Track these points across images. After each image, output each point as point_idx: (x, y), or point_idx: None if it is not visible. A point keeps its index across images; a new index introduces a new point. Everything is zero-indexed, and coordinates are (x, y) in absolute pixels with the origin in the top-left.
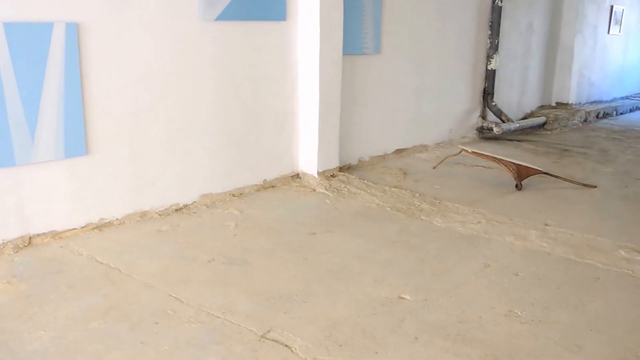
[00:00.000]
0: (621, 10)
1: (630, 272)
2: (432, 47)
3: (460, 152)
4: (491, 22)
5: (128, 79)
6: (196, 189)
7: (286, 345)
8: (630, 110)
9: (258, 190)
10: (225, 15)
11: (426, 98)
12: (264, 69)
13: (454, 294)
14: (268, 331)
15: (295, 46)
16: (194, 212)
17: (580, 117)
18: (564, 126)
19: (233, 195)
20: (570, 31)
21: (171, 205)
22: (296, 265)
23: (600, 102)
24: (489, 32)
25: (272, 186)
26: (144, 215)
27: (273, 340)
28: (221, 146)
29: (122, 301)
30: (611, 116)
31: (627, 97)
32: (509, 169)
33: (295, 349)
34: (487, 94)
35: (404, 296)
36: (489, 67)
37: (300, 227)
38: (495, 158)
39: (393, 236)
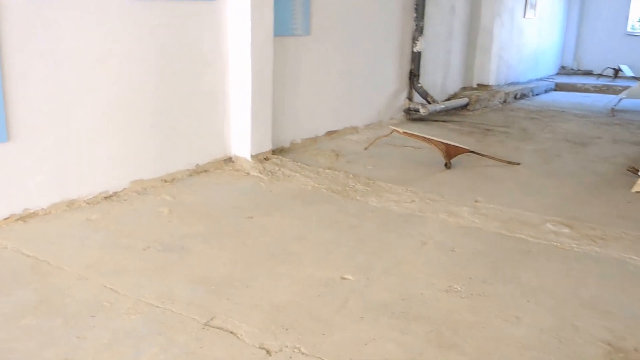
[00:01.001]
0: None
1: (558, 244)
2: (361, 29)
3: (392, 132)
4: (416, 5)
5: (51, 60)
6: (126, 175)
7: (231, 332)
8: (545, 91)
9: (190, 175)
10: None
11: (355, 80)
12: (194, 50)
13: (395, 272)
14: (211, 319)
15: (226, 26)
16: (125, 200)
17: (500, 98)
18: (485, 107)
19: (165, 180)
20: (489, 14)
21: (100, 193)
22: (235, 249)
23: (518, 83)
24: (415, 14)
25: (205, 170)
26: (71, 204)
27: (217, 328)
28: (151, 130)
29: (54, 295)
30: (528, 97)
31: (541, 79)
32: (439, 149)
33: (241, 335)
34: (414, 75)
35: (347, 276)
36: (414, 50)
37: (236, 211)
38: (425, 138)
39: (331, 217)
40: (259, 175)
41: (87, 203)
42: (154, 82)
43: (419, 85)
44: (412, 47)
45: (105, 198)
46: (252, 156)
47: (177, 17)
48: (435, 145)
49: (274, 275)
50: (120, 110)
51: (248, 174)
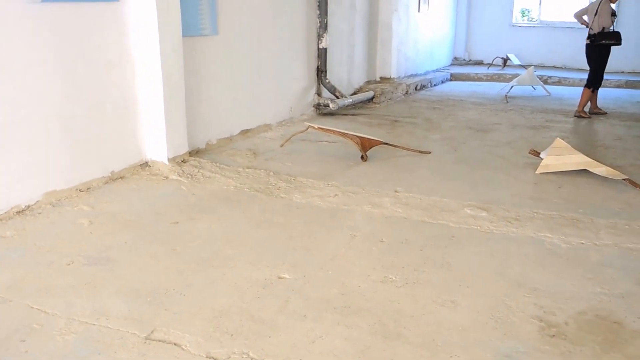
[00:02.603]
0: None
1: (478, 227)
2: (268, 27)
3: (307, 129)
4: (319, 2)
5: None
6: (38, 187)
7: (175, 344)
8: (442, 82)
9: (106, 182)
10: None
11: (266, 78)
12: (100, 54)
13: (330, 267)
14: (152, 331)
15: (131, 28)
16: (40, 213)
17: (402, 90)
18: (389, 99)
19: (80, 190)
20: (387, 10)
21: (12, 208)
22: (166, 257)
23: (416, 75)
24: (318, 12)
25: (121, 177)
26: None
27: (159, 341)
28: (61, 138)
29: None
30: (427, 88)
31: (437, 70)
32: (354, 142)
33: (186, 345)
34: (321, 71)
35: (283, 275)
36: (320, 46)
37: (160, 217)
38: (340, 132)
39: (257, 216)
40: (179, 178)
41: None
42: (60, 87)
43: (327, 80)
44: (318, 43)
45: (18, 213)
46: (169, 159)
47: (80, 20)
48: (350, 138)
49: (210, 281)
50: (25, 118)
51: (167, 177)
